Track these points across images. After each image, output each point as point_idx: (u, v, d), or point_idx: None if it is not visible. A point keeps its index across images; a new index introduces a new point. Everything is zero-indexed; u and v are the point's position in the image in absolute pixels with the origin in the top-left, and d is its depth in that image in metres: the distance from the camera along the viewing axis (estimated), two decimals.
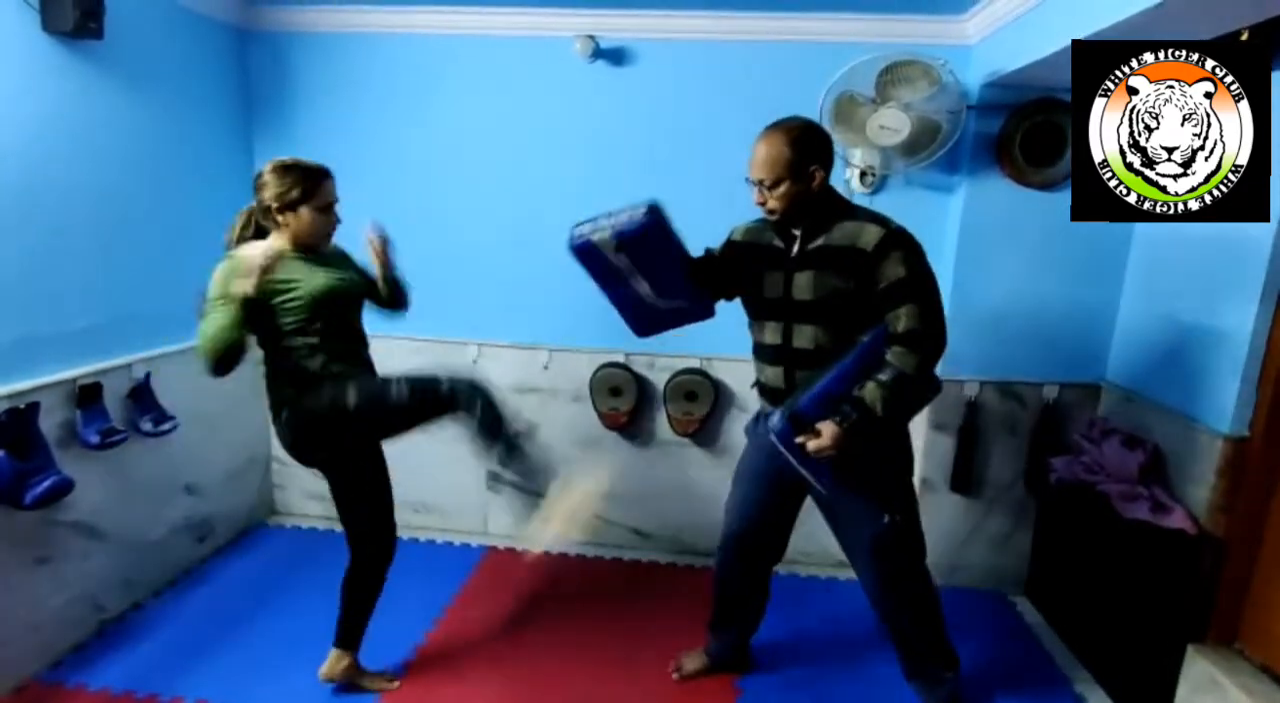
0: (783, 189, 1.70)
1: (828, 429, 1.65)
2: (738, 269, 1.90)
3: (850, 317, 1.72)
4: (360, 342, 1.97)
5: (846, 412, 1.65)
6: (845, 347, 1.72)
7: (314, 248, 1.84)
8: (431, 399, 1.84)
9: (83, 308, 2.21)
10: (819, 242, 1.74)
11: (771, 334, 1.84)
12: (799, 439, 1.68)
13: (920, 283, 1.68)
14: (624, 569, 2.89)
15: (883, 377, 1.65)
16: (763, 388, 1.91)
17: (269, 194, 1.75)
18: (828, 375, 1.70)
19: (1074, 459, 2.40)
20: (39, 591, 2.10)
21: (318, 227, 1.81)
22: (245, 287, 1.66)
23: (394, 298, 2.10)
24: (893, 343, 1.67)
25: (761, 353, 1.89)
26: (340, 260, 1.97)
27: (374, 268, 2.03)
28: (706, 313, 1.95)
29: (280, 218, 1.77)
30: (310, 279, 1.79)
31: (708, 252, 1.95)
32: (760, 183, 1.72)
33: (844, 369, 1.69)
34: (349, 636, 2.05)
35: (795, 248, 1.77)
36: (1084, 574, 2.40)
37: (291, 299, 1.76)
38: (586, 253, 1.76)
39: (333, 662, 2.05)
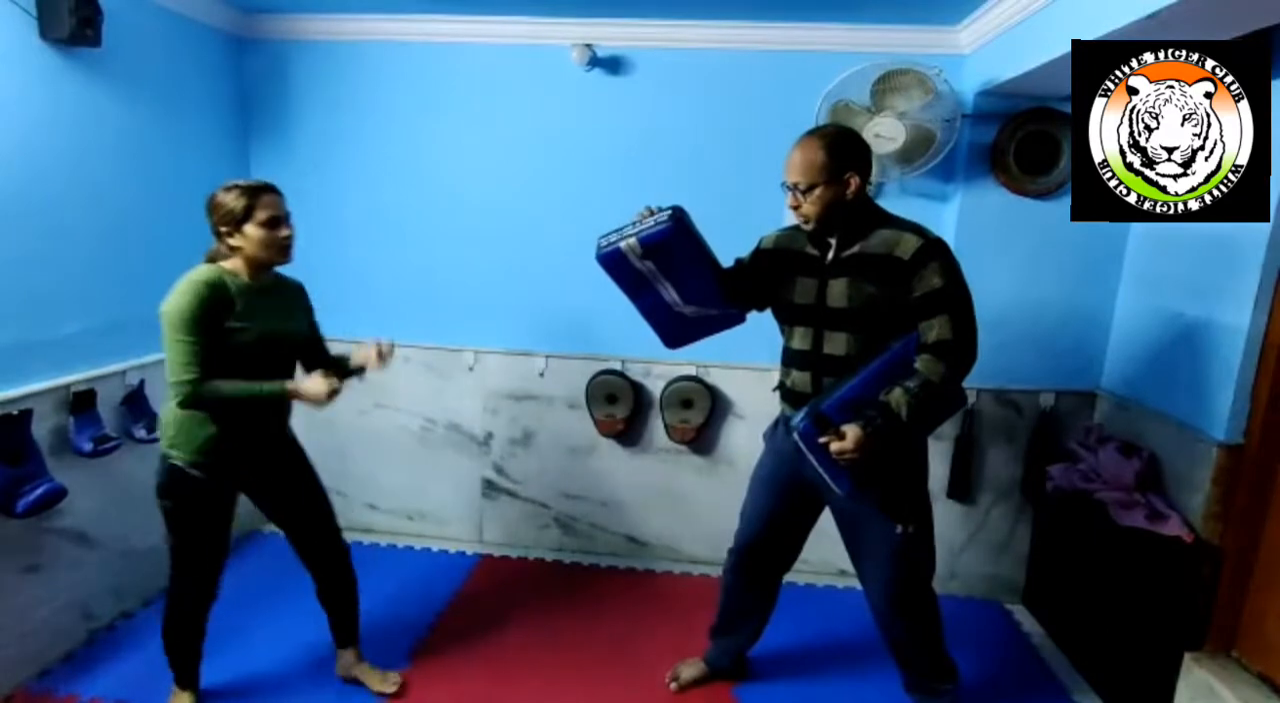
0: (817, 193, 1.69)
1: (851, 432, 1.63)
2: (769, 276, 1.90)
3: (882, 324, 1.72)
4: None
5: (871, 416, 1.63)
6: (874, 353, 1.71)
7: (269, 266, 1.79)
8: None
9: (77, 314, 2.21)
10: (854, 249, 1.74)
11: (801, 339, 1.83)
12: (822, 440, 1.66)
13: (956, 294, 1.68)
14: (620, 577, 2.88)
15: (909, 383, 1.64)
16: (787, 392, 1.90)
17: (215, 219, 1.71)
18: (854, 379, 1.69)
19: (1071, 467, 2.40)
20: (29, 599, 2.08)
21: (269, 242, 1.73)
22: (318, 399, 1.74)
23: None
24: (922, 351, 1.67)
25: (790, 357, 1.88)
26: (295, 298, 1.94)
27: (359, 356, 1.95)
28: (736, 320, 1.96)
29: (231, 241, 1.72)
30: (261, 320, 1.75)
31: (738, 261, 1.96)
32: (795, 186, 1.72)
33: (871, 374, 1.69)
34: (352, 633, 2.16)
35: (830, 255, 1.77)
36: (1081, 582, 2.39)
37: (235, 337, 1.71)
38: (614, 262, 1.77)
39: (344, 659, 2.16)
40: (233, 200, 1.69)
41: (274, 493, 1.98)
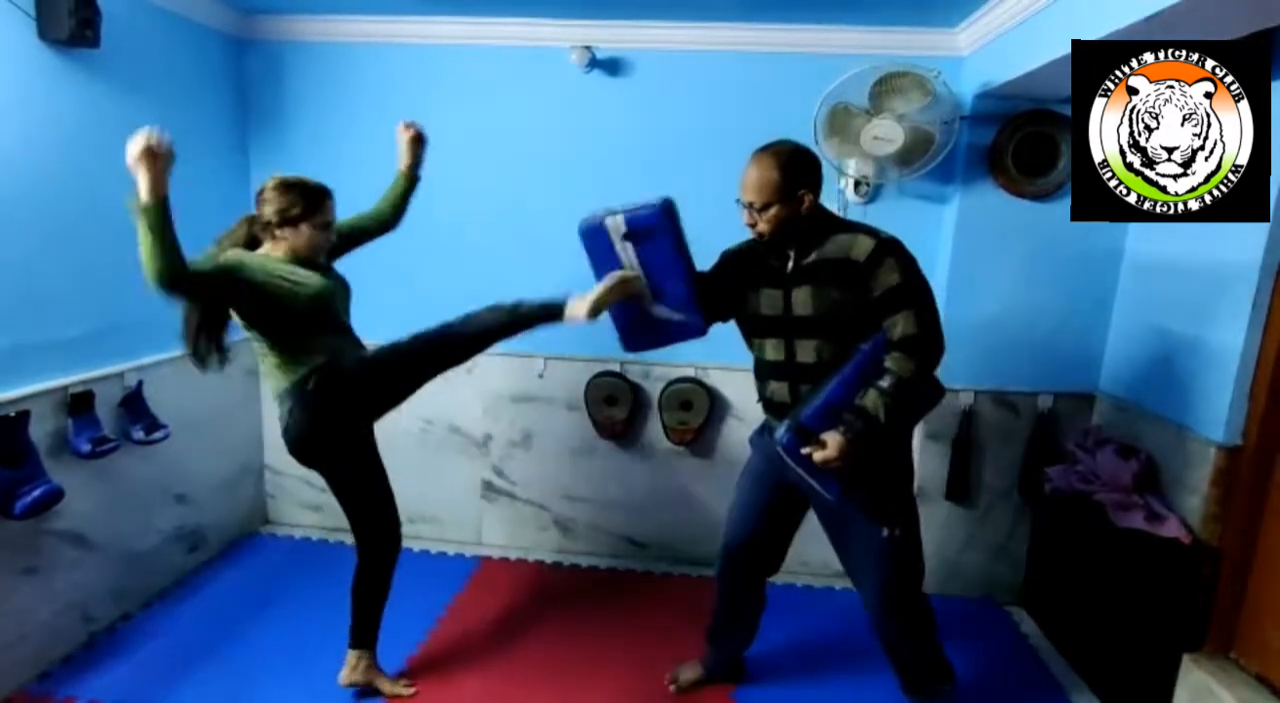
0: (772, 212, 1.72)
1: (833, 440, 1.65)
2: (732, 290, 1.91)
3: (850, 328, 1.73)
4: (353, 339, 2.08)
5: (850, 421, 1.65)
6: (847, 357, 1.72)
7: (307, 262, 1.90)
8: (441, 339, 2.05)
9: (75, 316, 2.20)
10: (813, 257, 1.75)
11: (773, 351, 1.84)
12: (805, 451, 1.68)
13: (915, 289, 1.69)
14: (619, 579, 2.88)
15: (883, 384, 1.66)
16: (768, 404, 1.92)
17: (270, 209, 1.83)
18: (829, 386, 1.71)
19: (1069, 468, 2.40)
20: (27, 601, 2.08)
21: (316, 242, 1.89)
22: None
23: (401, 204, 2.30)
24: (891, 349, 1.68)
25: (764, 370, 1.89)
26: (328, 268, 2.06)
27: (402, 159, 2.20)
28: (699, 331, 1.95)
29: (279, 232, 1.84)
30: (311, 280, 1.86)
31: (702, 275, 1.96)
32: (750, 205, 1.74)
33: (844, 379, 1.70)
34: (366, 635, 2.10)
35: (790, 264, 1.79)
36: (1079, 584, 2.39)
37: (297, 297, 1.82)
38: (593, 234, 1.82)
39: (351, 664, 2.10)
40: (295, 198, 1.83)
41: (350, 470, 2.03)
